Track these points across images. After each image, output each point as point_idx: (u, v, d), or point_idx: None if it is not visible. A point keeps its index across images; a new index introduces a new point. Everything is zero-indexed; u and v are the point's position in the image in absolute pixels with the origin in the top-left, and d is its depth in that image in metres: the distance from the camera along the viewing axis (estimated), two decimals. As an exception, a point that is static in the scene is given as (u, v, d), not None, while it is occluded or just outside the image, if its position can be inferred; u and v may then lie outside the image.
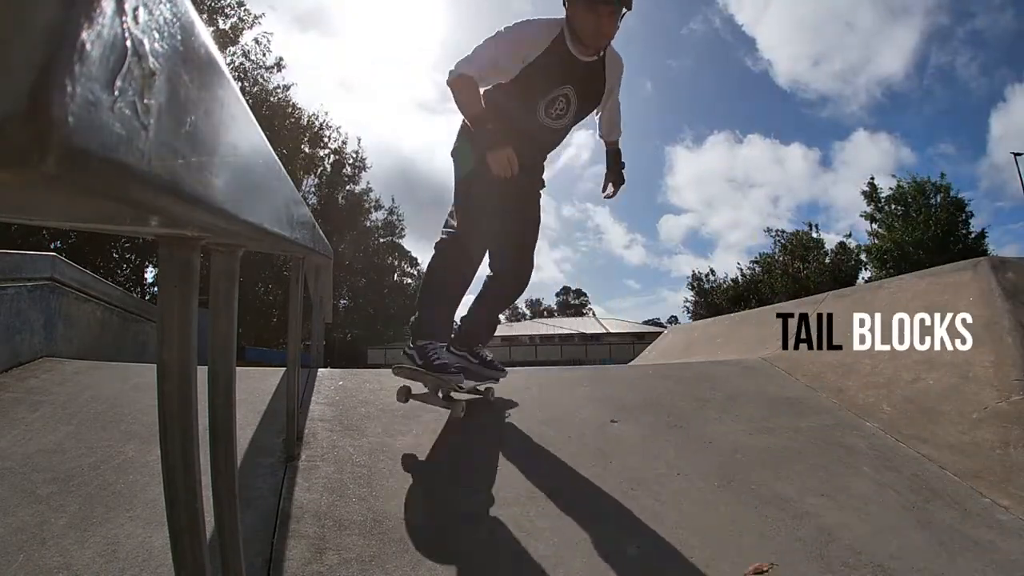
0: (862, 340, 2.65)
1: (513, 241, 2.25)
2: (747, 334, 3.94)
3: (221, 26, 21.05)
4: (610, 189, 2.38)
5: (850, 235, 31.33)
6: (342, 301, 28.52)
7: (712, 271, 35.80)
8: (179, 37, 0.31)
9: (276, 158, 0.77)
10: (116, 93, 0.23)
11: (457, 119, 2.11)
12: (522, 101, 2.02)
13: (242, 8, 21.91)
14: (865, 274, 29.40)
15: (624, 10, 1.93)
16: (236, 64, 22.50)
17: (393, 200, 33.07)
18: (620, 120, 2.39)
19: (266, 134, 0.68)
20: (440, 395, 2.13)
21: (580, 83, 2.05)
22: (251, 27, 22.31)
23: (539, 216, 2.34)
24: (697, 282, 35.35)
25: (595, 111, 2.25)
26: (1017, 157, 23.36)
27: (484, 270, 2.31)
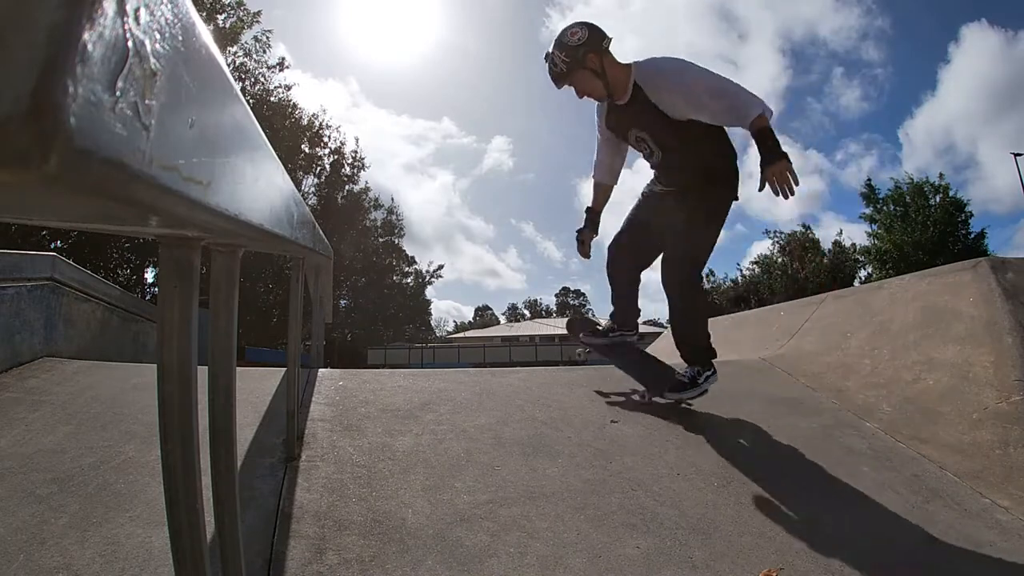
0: (862, 340, 2.65)
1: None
2: (747, 335, 3.94)
3: (220, 24, 21.00)
4: (768, 181, 1.94)
5: (840, 232, 31.46)
6: (342, 301, 28.49)
7: (711, 271, 35.82)
8: (180, 38, 0.31)
9: (276, 158, 0.77)
10: (118, 94, 0.23)
11: None
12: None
13: (241, 8, 21.87)
14: (862, 273, 29.46)
15: (561, 70, 2.20)
16: (238, 64, 22.47)
17: (392, 199, 33.04)
18: (740, 105, 2.03)
19: (266, 134, 0.68)
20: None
21: (636, 121, 2.27)
22: (250, 26, 22.28)
23: (682, 223, 2.29)
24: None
25: (692, 116, 2.14)
26: (1017, 157, 23.36)
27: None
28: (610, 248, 2.58)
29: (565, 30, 2.22)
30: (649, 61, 2.20)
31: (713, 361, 2.37)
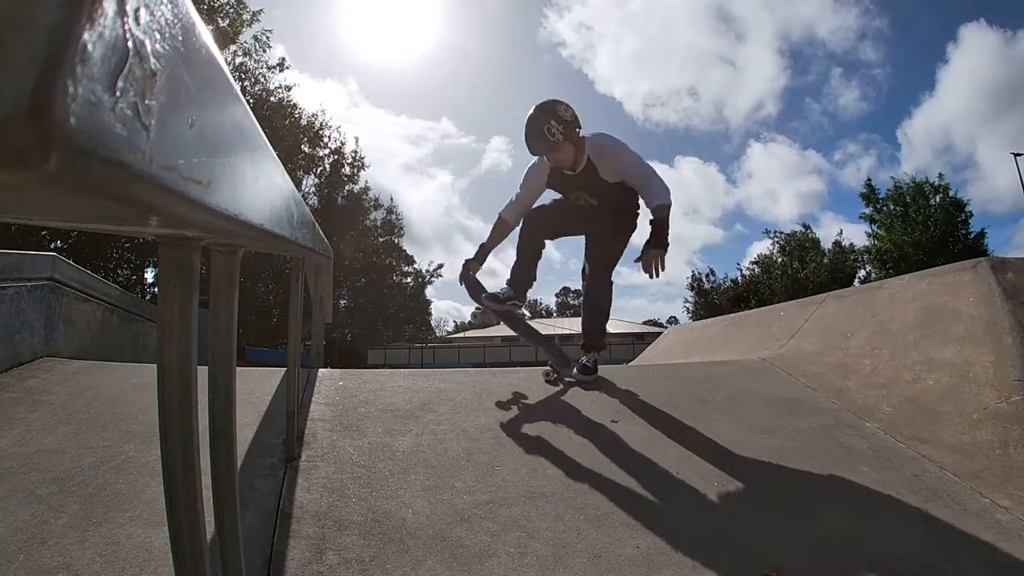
0: (862, 340, 2.65)
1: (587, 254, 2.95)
2: (747, 334, 3.94)
3: (220, 24, 20.95)
4: (646, 261, 2.53)
5: (841, 232, 31.54)
6: (342, 301, 28.46)
7: (712, 271, 35.83)
8: (180, 38, 0.31)
9: (276, 158, 0.77)
10: (118, 94, 0.23)
11: None
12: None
13: (241, 6, 21.82)
14: (862, 273, 29.48)
15: (557, 140, 2.49)
16: (238, 64, 22.43)
17: (392, 199, 33.01)
18: (652, 191, 2.55)
19: (266, 134, 0.68)
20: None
21: (582, 186, 2.69)
22: (250, 25, 22.22)
23: (602, 236, 2.83)
24: (697, 282, 35.37)
25: (621, 183, 2.64)
26: (1017, 157, 23.35)
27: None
28: (527, 219, 2.84)
29: (556, 104, 2.53)
30: (597, 138, 2.62)
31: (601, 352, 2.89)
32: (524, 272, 2.89)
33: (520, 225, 2.86)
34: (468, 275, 2.94)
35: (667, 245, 2.52)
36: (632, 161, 2.62)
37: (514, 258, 2.90)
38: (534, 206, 2.87)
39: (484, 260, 2.93)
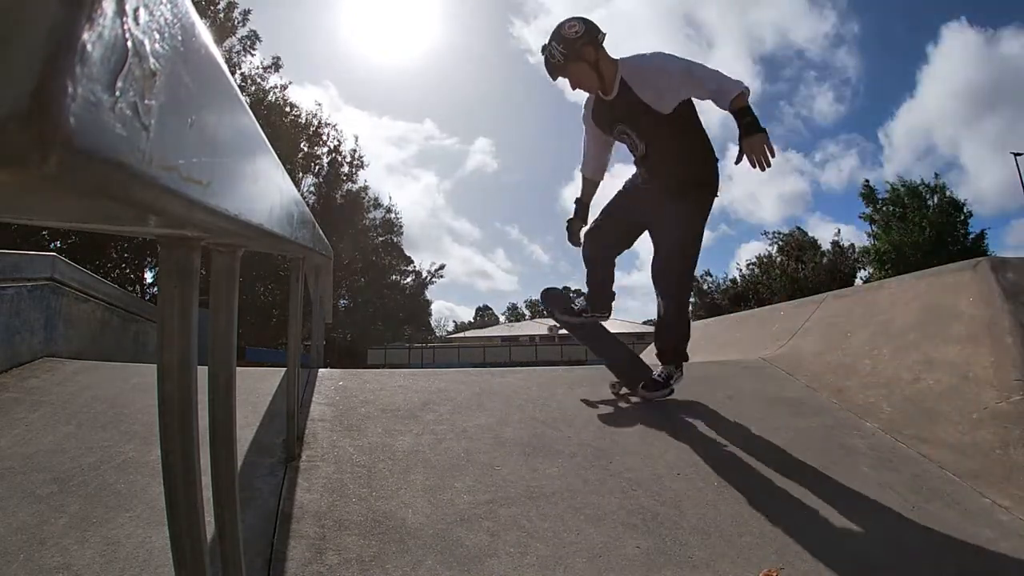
0: (862, 340, 2.65)
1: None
2: (747, 334, 3.94)
3: (219, 21, 21.02)
4: (748, 154, 2.09)
5: (839, 232, 31.61)
6: (342, 301, 28.48)
7: (709, 272, 35.87)
8: (179, 38, 0.31)
9: (276, 158, 0.77)
10: (117, 94, 0.23)
11: None
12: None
13: (234, 9, 21.89)
14: (863, 273, 29.51)
15: (558, 61, 2.28)
16: (234, 63, 22.45)
17: (391, 199, 33.08)
18: (718, 86, 2.18)
19: (265, 133, 0.68)
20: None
21: (620, 115, 2.36)
22: (243, 24, 22.27)
23: (676, 224, 2.36)
24: (695, 283, 35.39)
25: (669, 109, 2.26)
26: (1017, 157, 23.35)
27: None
28: (586, 235, 2.61)
29: (563, 24, 2.30)
30: (634, 57, 2.31)
31: (684, 364, 2.50)
32: (596, 288, 2.63)
33: (583, 241, 2.60)
34: (572, 238, 2.63)
35: (763, 129, 2.08)
36: (682, 65, 2.21)
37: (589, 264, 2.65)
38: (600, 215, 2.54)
39: (586, 216, 2.63)
